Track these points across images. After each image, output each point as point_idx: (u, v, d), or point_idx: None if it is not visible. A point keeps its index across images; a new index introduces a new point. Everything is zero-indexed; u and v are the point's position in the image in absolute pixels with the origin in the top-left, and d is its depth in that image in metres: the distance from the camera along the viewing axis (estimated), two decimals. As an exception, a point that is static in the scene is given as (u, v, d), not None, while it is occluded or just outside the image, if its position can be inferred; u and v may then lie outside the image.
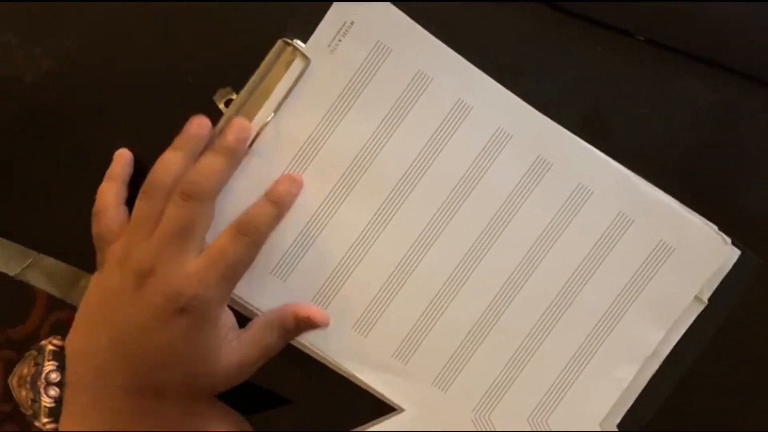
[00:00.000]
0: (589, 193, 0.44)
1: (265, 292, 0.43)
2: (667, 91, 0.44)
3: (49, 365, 0.40)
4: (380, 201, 0.44)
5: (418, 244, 0.43)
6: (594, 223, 0.44)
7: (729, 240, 0.44)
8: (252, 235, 0.41)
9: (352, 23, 0.43)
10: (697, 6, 0.44)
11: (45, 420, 0.40)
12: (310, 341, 0.43)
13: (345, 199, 0.43)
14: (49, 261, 0.45)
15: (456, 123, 0.43)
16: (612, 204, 0.44)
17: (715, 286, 0.44)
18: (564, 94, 0.44)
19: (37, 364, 0.40)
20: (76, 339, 0.41)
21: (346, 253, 0.43)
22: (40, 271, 0.45)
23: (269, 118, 0.43)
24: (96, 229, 0.42)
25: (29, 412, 0.40)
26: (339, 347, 0.44)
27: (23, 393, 0.40)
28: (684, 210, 0.44)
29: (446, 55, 0.43)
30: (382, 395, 0.44)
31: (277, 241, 0.43)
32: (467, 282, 0.43)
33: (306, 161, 0.43)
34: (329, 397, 0.45)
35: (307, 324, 0.42)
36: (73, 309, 0.42)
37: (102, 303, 0.41)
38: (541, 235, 0.43)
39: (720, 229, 0.44)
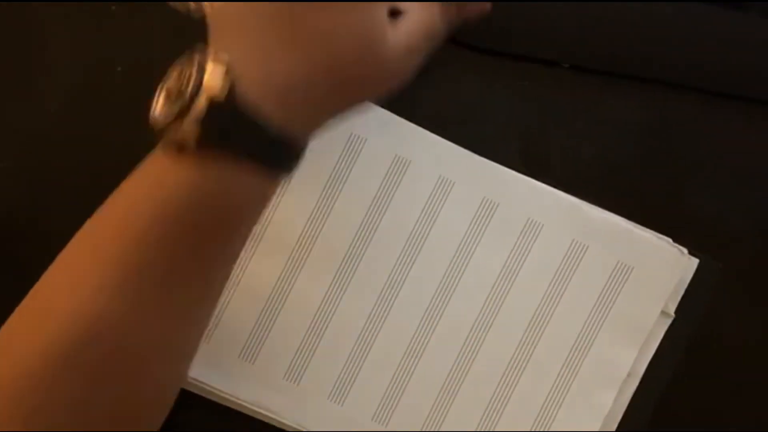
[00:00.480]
0: (540, 226, 0.44)
1: (236, 377, 0.43)
2: (598, 113, 0.44)
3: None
4: (334, 270, 0.43)
5: (378, 306, 0.43)
6: (549, 255, 0.44)
7: (685, 250, 0.44)
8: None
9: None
10: (614, 25, 0.44)
11: None
12: (292, 419, 0.43)
13: (299, 272, 0.43)
14: None
15: (396, 179, 0.43)
16: (564, 234, 0.44)
17: (679, 298, 0.44)
18: (498, 134, 0.44)
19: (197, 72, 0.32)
20: (230, 39, 0.34)
21: (309, 325, 0.43)
22: None
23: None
24: None
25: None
26: (318, 418, 0.43)
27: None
28: (635, 227, 0.44)
29: (377, 114, 0.43)
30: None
31: (240, 325, 0.43)
32: (432, 337, 0.43)
33: (255, 241, 0.43)
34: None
35: (470, 11, 0.38)
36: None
37: None
38: (498, 277, 0.43)
39: (673, 238, 0.44)
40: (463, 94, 0.44)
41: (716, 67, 0.44)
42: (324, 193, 0.43)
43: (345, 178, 0.43)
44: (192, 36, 0.41)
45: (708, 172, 0.45)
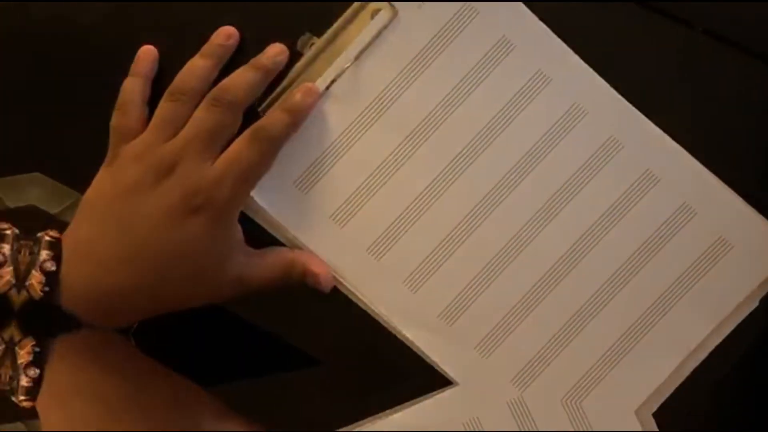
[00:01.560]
0: (657, 180, 0.44)
1: (322, 235, 0.43)
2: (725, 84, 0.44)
3: (45, 254, 0.40)
4: (445, 162, 0.44)
5: (480, 207, 0.43)
6: (658, 209, 0.44)
7: (790, 243, 0.44)
8: (264, 142, 0.41)
9: (443, -19, 0.43)
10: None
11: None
12: (360, 290, 0.44)
13: (410, 157, 0.43)
14: None
15: (533, 94, 0.43)
16: (678, 193, 0.44)
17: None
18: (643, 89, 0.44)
19: (32, 253, 0.40)
20: (78, 231, 0.41)
21: (407, 209, 0.44)
22: None
23: (348, 65, 0.43)
24: (115, 122, 0.42)
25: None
26: (388, 299, 0.44)
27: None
28: (748, 209, 0.44)
29: (533, 25, 0.43)
30: (423, 353, 0.44)
31: (339, 188, 0.43)
32: (525, 250, 0.43)
33: (377, 114, 0.43)
34: (370, 351, 0.45)
35: (312, 280, 0.43)
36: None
37: (113, 197, 0.41)
38: (604, 213, 0.43)
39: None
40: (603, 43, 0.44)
41: None
42: (459, 86, 0.43)
43: (483, 78, 0.43)
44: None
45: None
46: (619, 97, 0.43)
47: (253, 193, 0.43)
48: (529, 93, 0.43)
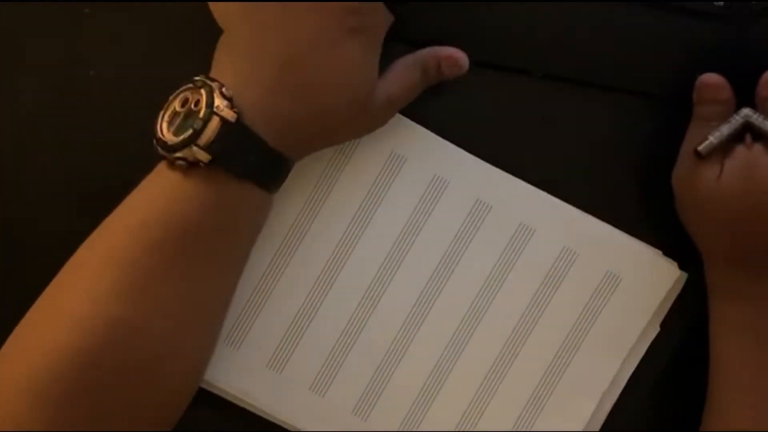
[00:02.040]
0: (532, 231, 0.44)
1: (218, 362, 0.43)
2: (570, 121, 0.44)
3: (216, 84, 0.37)
4: (321, 265, 0.43)
5: (364, 303, 0.43)
6: (539, 261, 0.44)
7: (675, 263, 0.44)
8: None
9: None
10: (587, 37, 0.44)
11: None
12: (271, 409, 0.43)
13: (286, 266, 0.43)
14: None
15: (390, 178, 0.43)
16: (555, 239, 0.44)
17: (666, 311, 0.44)
18: (473, 141, 0.44)
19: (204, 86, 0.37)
20: (235, 70, 0.38)
21: (294, 317, 0.43)
22: None
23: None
24: None
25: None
26: (299, 408, 0.43)
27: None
28: (627, 238, 0.44)
29: (419, 134, 0.43)
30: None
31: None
32: (419, 332, 0.43)
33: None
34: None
35: (448, 64, 0.42)
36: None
37: (265, 26, 0.37)
38: (487, 279, 0.43)
39: (663, 251, 0.44)
40: (445, 101, 0.44)
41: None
42: (318, 184, 0.43)
43: (337, 174, 0.43)
44: (165, 41, 0.42)
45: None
46: (474, 157, 0.43)
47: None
48: (386, 176, 0.43)
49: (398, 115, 0.43)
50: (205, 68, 0.39)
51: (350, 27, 0.38)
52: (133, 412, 0.37)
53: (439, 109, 0.44)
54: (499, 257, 0.44)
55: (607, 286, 0.44)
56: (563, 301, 0.44)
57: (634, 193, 0.45)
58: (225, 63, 0.39)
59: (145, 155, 0.38)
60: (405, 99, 0.42)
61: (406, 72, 0.41)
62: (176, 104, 0.37)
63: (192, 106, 0.37)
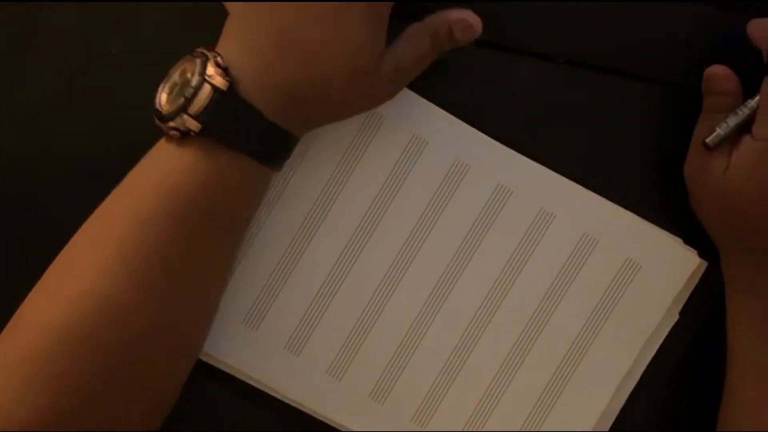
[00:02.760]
0: (552, 217, 0.43)
1: (235, 343, 0.43)
2: (597, 109, 0.44)
3: (211, 54, 0.36)
4: (339, 249, 0.43)
5: (386, 281, 0.43)
6: (559, 247, 0.43)
7: (695, 252, 0.44)
8: None
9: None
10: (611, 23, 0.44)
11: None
12: (287, 391, 0.43)
13: (304, 250, 0.43)
14: None
15: (413, 159, 0.43)
16: (575, 226, 0.43)
17: (685, 299, 0.44)
18: (496, 127, 0.44)
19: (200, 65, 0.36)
20: (239, 42, 0.37)
21: (316, 296, 0.43)
22: None
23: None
24: None
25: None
26: (315, 393, 0.43)
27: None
28: (647, 225, 0.44)
29: (440, 117, 0.43)
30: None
31: (247, 296, 0.43)
32: (436, 317, 0.43)
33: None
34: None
35: (461, 28, 0.39)
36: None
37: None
38: (507, 264, 0.43)
39: (683, 239, 0.44)
40: (466, 86, 0.44)
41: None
42: (339, 167, 0.43)
43: (360, 155, 0.43)
44: (185, 23, 0.42)
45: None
46: (497, 143, 0.43)
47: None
48: (409, 159, 0.43)
49: (420, 99, 0.43)
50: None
51: None
52: (125, 390, 0.37)
53: (458, 93, 0.43)
54: (519, 243, 0.43)
55: (626, 274, 0.44)
56: (582, 287, 0.43)
57: (654, 182, 0.45)
58: (230, 35, 0.37)
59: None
60: (415, 70, 0.40)
61: (415, 40, 0.39)
62: (176, 75, 0.36)
63: (188, 75, 0.36)
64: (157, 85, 0.37)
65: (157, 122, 0.36)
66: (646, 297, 0.44)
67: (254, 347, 0.43)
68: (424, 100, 0.43)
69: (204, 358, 0.43)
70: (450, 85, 0.43)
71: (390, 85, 0.40)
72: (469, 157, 0.43)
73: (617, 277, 0.44)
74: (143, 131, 0.38)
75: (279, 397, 0.43)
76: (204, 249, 0.37)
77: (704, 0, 0.44)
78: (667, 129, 0.45)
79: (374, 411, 0.43)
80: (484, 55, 0.43)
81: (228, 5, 0.37)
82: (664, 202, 0.44)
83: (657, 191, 0.44)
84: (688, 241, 0.44)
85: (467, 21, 0.39)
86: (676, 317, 0.44)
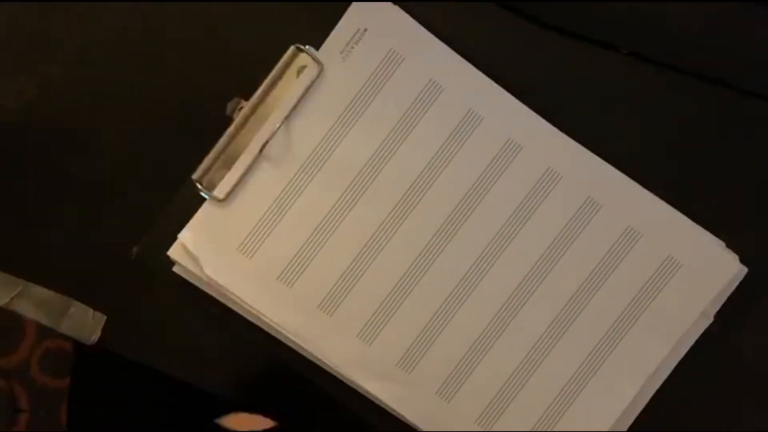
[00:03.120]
0: (598, 206, 0.44)
1: (271, 298, 0.43)
2: (654, 103, 0.44)
3: None
4: (387, 211, 0.43)
5: (425, 253, 0.43)
6: (602, 237, 0.44)
7: (737, 257, 0.44)
8: None
9: (365, 30, 0.43)
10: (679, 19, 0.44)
11: None
12: (315, 348, 0.43)
13: (352, 208, 0.43)
14: (38, 289, 0.45)
15: (466, 134, 0.43)
16: (621, 218, 0.44)
17: (721, 303, 0.44)
18: (551, 110, 0.44)
19: None
20: None
21: (353, 262, 0.43)
22: (28, 300, 0.45)
23: (279, 125, 0.43)
24: None
25: None
26: (344, 354, 0.43)
27: None
28: (691, 225, 0.44)
29: (459, 65, 0.43)
30: (386, 404, 0.44)
31: (284, 248, 0.43)
32: (474, 292, 0.43)
33: (314, 169, 0.43)
34: (336, 409, 0.44)
35: None
36: (64, 338, 0.41)
37: None
38: (549, 247, 0.43)
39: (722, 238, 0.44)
40: (532, 65, 0.44)
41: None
42: (392, 133, 0.43)
43: (415, 122, 0.43)
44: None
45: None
46: (550, 126, 0.43)
47: (200, 264, 0.43)
48: (462, 133, 0.43)
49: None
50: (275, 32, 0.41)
51: None
52: None
53: (517, 73, 0.44)
54: (562, 228, 0.43)
55: (666, 270, 0.44)
56: (621, 279, 0.44)
57: (703, 183, 0.45)
58: None
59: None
60: None
61: None
62: None
63: None
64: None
65: None
66: (683, 296, 0.44)
67: (290, 304, 0.43)
68: (451, 51, 0.43)
69: (197, 283, 0.43)
70: (510, 64, 0.43)
71: None
72: (522, 138, 0.43)
73: (657, 273, 0.44)
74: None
75: (311, 357, 0.44)
76: None
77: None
78: (725, 132, 0.45)
79: (401, 380, 0.43)
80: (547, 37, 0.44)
81: None
82: (712, 203, 0.44)
83: (706, 192, 0.45)
84: (731, 245, 0.44)
85: None
86: (711, 320, 0.44)
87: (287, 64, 0.43)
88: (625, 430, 0.44)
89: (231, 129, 0.43)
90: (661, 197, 0.44)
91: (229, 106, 0.43)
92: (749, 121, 0.44)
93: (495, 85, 0.43)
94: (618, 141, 0.44)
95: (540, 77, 0.44)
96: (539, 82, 0.44)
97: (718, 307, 0.44)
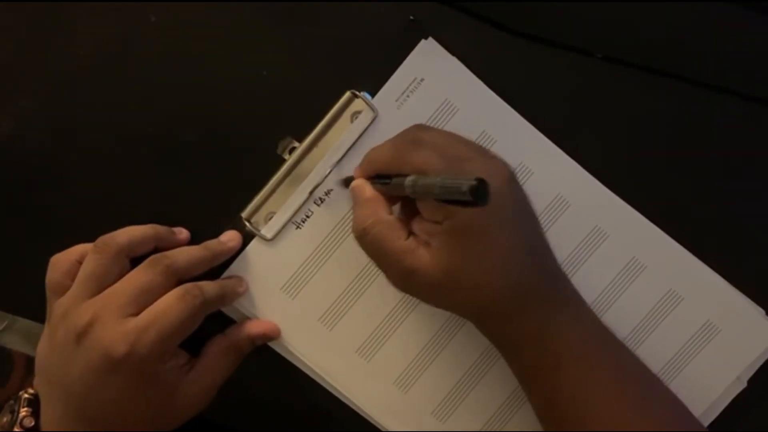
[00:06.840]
0: (643, 267, 0.44)
1: (311, 339, 0.44)
2: (632, 106, 0.44)
3: (24, 411, 0.40)
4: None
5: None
6: (645, 297, 0.44)
7: (774, 323, 0.44)
8: (197, 299, 0.40)
9: (422, 80, 0.43)
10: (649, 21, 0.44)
11: None
12: (350, 393, 0.44)
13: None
14: (25, 322, 0.45)
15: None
16: (664, 280, 0.44)
17: (756, 368, 0.45)
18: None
19: (12, 412, 0.40)
20: (40, 387, 0.41)
21: (391, 311, 0.44)
22: (16, 334, 0.45)
23: (330, 169, 0.43)
24: (49, 276, 0.41)
25: None
26: (379, 402, 0.44)
27: None
28: (733, 291, 0.44)
29: (510, 117, 0.43)
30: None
31: (326, 291, 0.43)
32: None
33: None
34: None
35: (262, 340, 0.43)
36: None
37: (51, 356, 0.40)
38: (593, 303, 0.43)
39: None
40: (497, 75, 0.44)
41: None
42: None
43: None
44: None
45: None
46: (598, 183, 0.44)
47: (242, 302, 0.43)
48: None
49: (500, 101, 0.43)
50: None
51: (114, 363, 0.38)
52: None
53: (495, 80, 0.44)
54: (606, 286, 0.44)
55: (704, 335, 0.44)
56: (659, 340, 0.44)
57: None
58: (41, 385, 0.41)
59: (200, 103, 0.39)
60: (220, 382, 0.42)
61: (220, 358, 0.43)
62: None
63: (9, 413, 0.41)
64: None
65: None
66: (719, 361, 0.44)
67: (289, 316, 0.44)
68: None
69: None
70: (486, 72, 0.44)
71: (196, 406, 0.42)
72: (571, 195, 0.44)
73: (695, 336, 0.44)
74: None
75: (309, 373, 0.44)
76: None
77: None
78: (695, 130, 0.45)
79: (398, 397, 0.44)
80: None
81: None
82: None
83: (674, 190, 0.45)
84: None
85: (267, 335, 0.43)
86: (744, 385, 0.44)
87: (342, 109, 0.43)
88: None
89: (282, 170, 0.43)
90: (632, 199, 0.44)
91: (281, 145, 0.43)
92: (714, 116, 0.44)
93: (546, 139, 0.43)
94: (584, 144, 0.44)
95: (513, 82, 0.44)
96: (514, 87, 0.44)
97: (752, 372, 0.45)
